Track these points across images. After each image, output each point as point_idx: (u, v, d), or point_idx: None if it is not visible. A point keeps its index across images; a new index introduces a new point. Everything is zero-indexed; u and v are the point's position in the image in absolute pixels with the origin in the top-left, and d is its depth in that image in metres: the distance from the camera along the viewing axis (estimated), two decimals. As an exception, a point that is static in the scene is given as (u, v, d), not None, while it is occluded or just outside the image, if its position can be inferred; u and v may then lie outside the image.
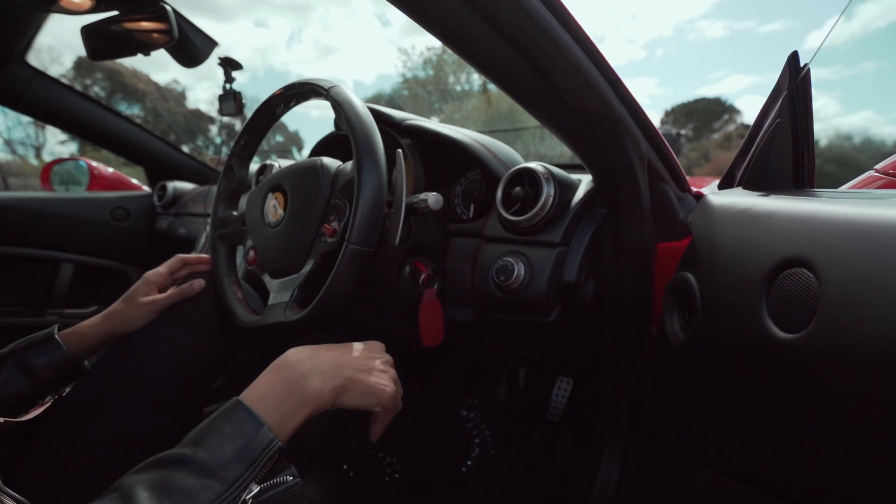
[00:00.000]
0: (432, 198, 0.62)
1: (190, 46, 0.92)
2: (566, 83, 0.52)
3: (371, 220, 0.55)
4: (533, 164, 0.70)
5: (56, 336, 0.63)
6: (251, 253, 0.74)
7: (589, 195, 0.71)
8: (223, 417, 0.39)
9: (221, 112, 1.07)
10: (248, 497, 0.35)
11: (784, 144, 0.54)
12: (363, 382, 0.47)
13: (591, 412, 1.09)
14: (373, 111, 0.79)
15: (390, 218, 0.61)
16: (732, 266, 0.44)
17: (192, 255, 0.77)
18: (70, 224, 1.49)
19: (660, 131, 0.65)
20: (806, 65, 0.54)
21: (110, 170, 1.76)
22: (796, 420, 0.39)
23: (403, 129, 0.80)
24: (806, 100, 0.54)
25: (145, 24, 0.87)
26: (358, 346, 0.52)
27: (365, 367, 0.49)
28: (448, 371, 1.09)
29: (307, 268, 0.64)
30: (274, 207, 0.69)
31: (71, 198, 1.53)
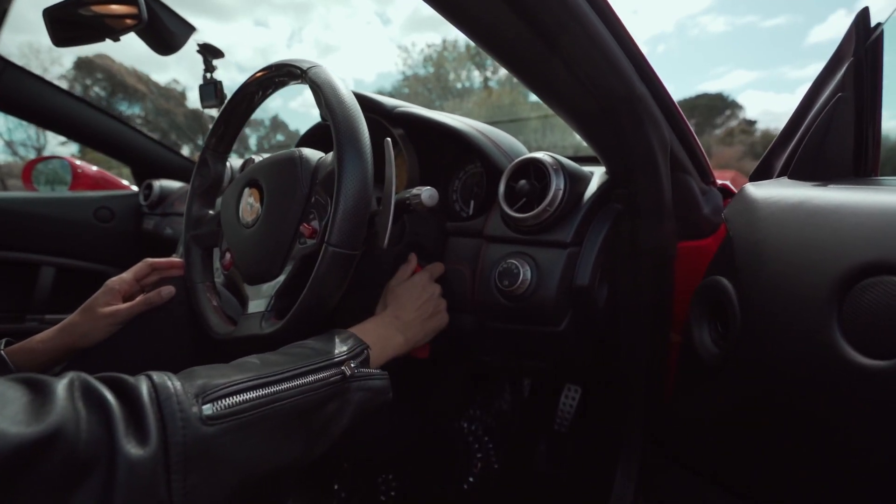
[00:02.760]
0: (426, 193, 0.55)
1: (164, 31, 0.85)
2: (581, 57, 0.45)
3: (354, 219, 0.47)
4: (539, 154, 0.63)
5: (1, 352, 0.56)
6: (227, 256, 0.66)
7: (603, 189, 0.63)
8: (327, 332, 0.50)
9: (202, 103, 1.00)
10: (352, 364, 0.45)
11: (845, 123, 0.46)
12: (427, 331, 0.61)
13: (601, 422, 1.02)
14: (360, 97, 0.71)
15: (379, 216, 0.54)
16: (786, 271, 0.36)
17: (163, 259, 0.69)
18: (51, 225, 1.42)
19: None
20: (879, 25, 0.45)
21: (94, 168, 1.68)
22: (888, 467, 0.31)
23: (395, 118, 0.72)
24: (876, 68, 0.45)
25: (112, 7, 0.79)
26: (419, 295, 0.61)
27: (427, 313, 0.61)
28: (447, 381, 1.01)
29: (285, 273, 0.56)
30: (249, 205, 0.62)
31: (52, 198, 1.45)
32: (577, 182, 0.62)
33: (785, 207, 0.41)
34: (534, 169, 0.63)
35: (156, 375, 0.34)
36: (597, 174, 0.67)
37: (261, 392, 0.37)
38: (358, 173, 0.48)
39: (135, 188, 1.74)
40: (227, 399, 0.35)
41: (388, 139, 0.55)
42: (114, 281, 0.65)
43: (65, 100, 1.39)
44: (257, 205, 0.61)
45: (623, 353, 0.73)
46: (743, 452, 0.45)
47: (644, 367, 0.73)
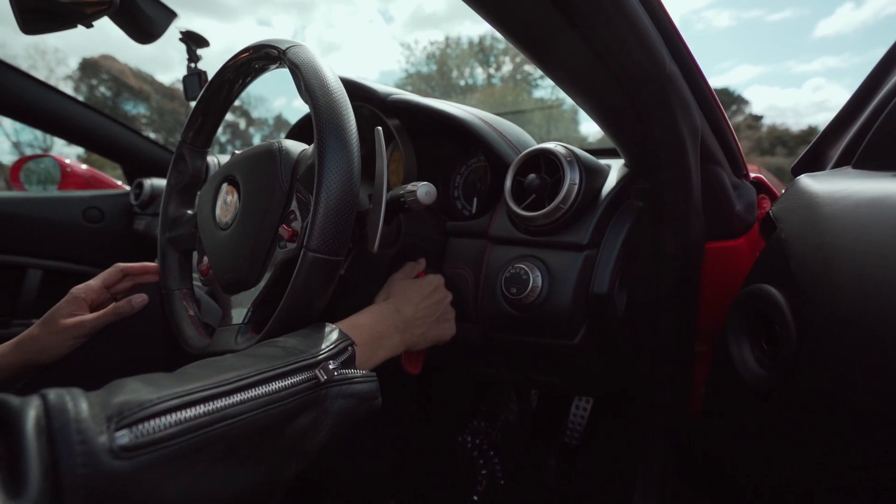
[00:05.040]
0: (422, 189, 0.48)
1: (141, 17, 0.79)
2: (603, 28, 0.38)
3: (336, 220, 0.41)
4: (551, 145, 0.56)
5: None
6: (205, 260, 0.60)
7: (622, 184, 0.56)
8: (308, 327, 0.43)
9: (187, 96, 0.94)
10: (331, 365, 0.38)
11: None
12: (429, 338, 0.54)
13: (615, 435, 0.95)
14: (349, 83, 0.65)
15: (369, 215, 0.48)
16: (872, 281, 0.29)
17: (136, 264, 0.63)
18: (38, 226, 1.37)
19: None
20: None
21: (84, 167, 1.63)
22: None
23: (389, 106, 0.65)
24: None
25: (83, -11, 0.73)
26: (430, 294, 0.55)
27: (433, 316, 0.55)
28: (449, 391, 0.95)
29: (264, 281, 0.50)
30: (226, 204, 0.55)
31: (39, 198, 1.40)
32: (593, 176, 0.55)
33: (860, 203, 0.33)
34: (545, 161, 0.56)
35: (53, 394, 0.26)
36: (615, 167, 0.60)
37: (204, 408, 0.30)
38: (341, 167, 0.41)
39: (127, 188, 1.68)
40: (154, 421, 0.27)
41: (379, 128, 0.48)
42: (79, 289, 0.59)
43: (51, 96, 1.33)
44: (235, 203, 0.54)
45: (643, 366, 0.66)
46: (799, 494, 0.38)
47: (666, 382, 0.66)
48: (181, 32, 0.91)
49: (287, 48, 0.48)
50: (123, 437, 0.26)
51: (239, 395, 0.32)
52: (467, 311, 0.61)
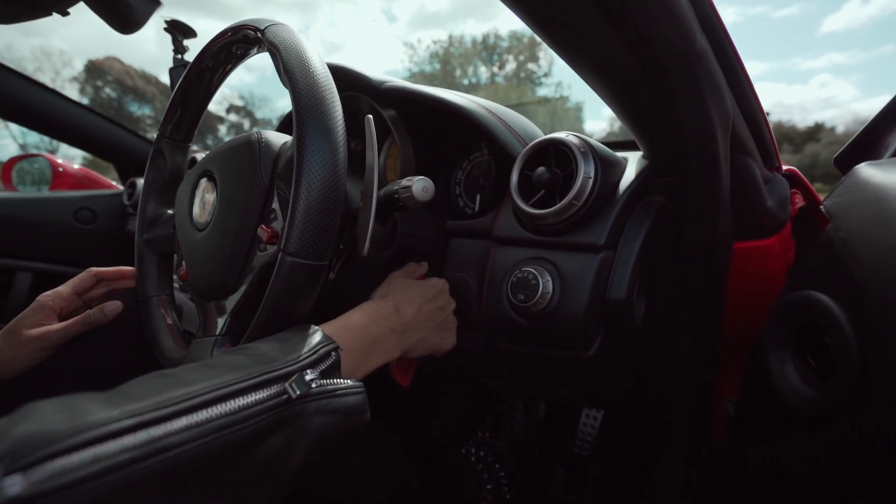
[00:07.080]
0: (418, 184, 0.43)
1: (121, 4, 0.74)
2: None
3: (318, 220, 0.36)
4: (562, 135, 0.50)
5: None
6: (184, 264, 0.55)
7: (642, 177, 0.51)
8: (287, 330, 0.38)
9: (173, 88, 0.90)
10: (308, 376, 0.33)
11: None
12: (427, 345, 0.49)
13: (628, 447, 0.90)
14: (338, 69, 0.59)
15: (360, 214, 0.43)
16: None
17: (111, 269, 0.59)
18: (27, 228, 1.33)
19: None
20: None
21: (76, 166, 1.59)
22: None
23: (384, 95, 0.60)
24: None
25: (58, -26, 0.68)
26: (433, 298, 0.51)
27: (434, 322, 0.50)
28: (451, 400, 0.89)
29: (244, 287, 0.45)
30: (203, 202, 0.51)
31: (28, 198, 1.36)
32: (609, 168, 0.49)
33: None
34: (555, 153, 0.50)
35: None
36: (632, 159, 0.54)
37: (134, 439, 0.23)
38: (324, 158, 0.36)
39: (121, 188, 1.64)
40: (63, 459, 0.21)
41: (370, 116, 0.43)
42: (46, 296, 0.54)
43: (39, 93, 1.29)
44: (213, 201, 0.49)
45: (662, 379, 0.60)
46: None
47: (688, 395, 0.61)
48: (166, 22, 0.86)
49: (266, 27, 0.43)
50: (15, 484, 0.20)
51: (184, 418, 0.26)
52: (470, 318, 0.56)
